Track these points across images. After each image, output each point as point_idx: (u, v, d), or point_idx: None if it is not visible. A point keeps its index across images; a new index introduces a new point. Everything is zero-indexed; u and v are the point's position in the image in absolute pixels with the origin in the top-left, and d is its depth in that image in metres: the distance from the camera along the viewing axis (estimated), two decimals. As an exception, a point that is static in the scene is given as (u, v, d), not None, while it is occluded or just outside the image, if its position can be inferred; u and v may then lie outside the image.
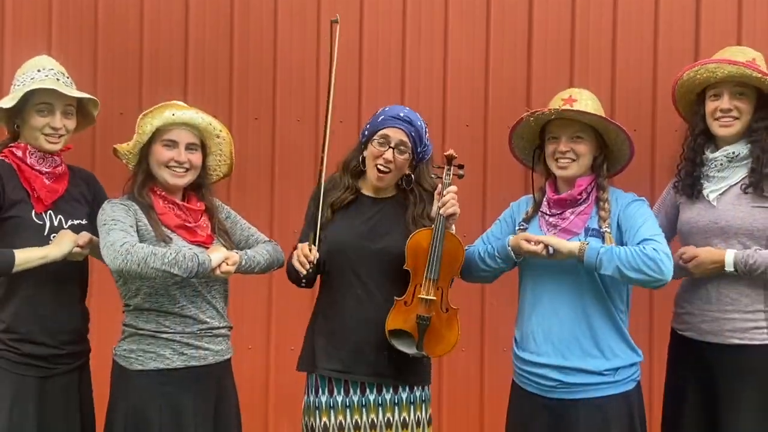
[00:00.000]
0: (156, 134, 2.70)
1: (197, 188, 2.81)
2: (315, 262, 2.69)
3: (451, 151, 2.74)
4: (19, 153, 2.70)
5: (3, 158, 2.71)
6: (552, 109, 2.72)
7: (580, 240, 2.68)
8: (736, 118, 2.79)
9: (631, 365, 2.72)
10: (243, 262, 2.72)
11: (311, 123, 3.88)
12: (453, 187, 2.68)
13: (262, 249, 2.84)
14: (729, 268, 2.71)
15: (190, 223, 2.73)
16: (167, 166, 2.70)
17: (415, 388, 2.81)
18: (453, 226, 2.72)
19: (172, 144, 2.70)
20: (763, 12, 3.79)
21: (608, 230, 2.68)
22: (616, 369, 2.68)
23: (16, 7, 3.93)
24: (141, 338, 2.66)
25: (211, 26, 3.93)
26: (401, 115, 2.78)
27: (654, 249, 2.56)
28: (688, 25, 3.82)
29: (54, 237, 2.68)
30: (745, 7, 3.78)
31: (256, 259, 2.78)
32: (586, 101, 2.73)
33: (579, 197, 2.73)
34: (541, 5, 3.86)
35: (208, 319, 2.72)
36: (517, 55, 3.86)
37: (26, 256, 2.58)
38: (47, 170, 2.72)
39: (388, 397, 2.78)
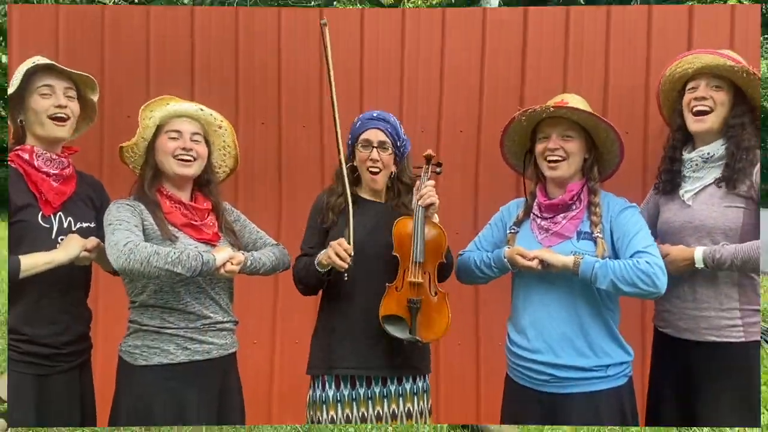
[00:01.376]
0: (159, 129, 2.73)
1: (204, 186, 2.82)
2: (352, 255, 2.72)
3: (429, 151, 2.84)
4: (26, 156, 2.67)
5: (9, 162, 2.67)
6: (543, 107, 2.75)
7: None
8: (711, 110, 2.83)
9: (622, 363, 2.74)
10: (248, 263, 2.75)
11: (316, 129, 3.88)
12: (431, 182, 2.78)
13: (269, 251, 2.87)
14: (699, 264, 2.76)
15: (196, 221, 2.73)
16: (173, 156, 2.71)
17: (418, 378, 2.86)
18: (435, 216, 2.79)
19: (177, 134, 2.72)
20: (754, 22, 3.78)
21: (600, 235, 2.69)
22: (607, 366, 2.71)
23: (24, 15, 3.88)
24: (145, 334, 2.67)
25: (216, 30, 3.90)
26: (375, 115, 2.89)
27: (647, 262, 2.59)
28: (682, 30, 3.81)
29: (62, 239, 2.66)
30: (737, 16, 3.77)
31: (262, 261, 2.81)
32: (577, 104, 2.76)
33: (570, 202, 2.75)
34: (535, 15, 3.88)
35: (211, 314, 2.73)
36: (511, 63, 3.87)
37: (32, 262, 2.57)
38: (55, 172, 2.70)
39: (392, 388, 2.82)
